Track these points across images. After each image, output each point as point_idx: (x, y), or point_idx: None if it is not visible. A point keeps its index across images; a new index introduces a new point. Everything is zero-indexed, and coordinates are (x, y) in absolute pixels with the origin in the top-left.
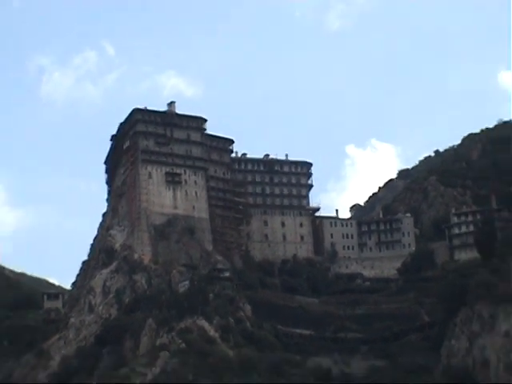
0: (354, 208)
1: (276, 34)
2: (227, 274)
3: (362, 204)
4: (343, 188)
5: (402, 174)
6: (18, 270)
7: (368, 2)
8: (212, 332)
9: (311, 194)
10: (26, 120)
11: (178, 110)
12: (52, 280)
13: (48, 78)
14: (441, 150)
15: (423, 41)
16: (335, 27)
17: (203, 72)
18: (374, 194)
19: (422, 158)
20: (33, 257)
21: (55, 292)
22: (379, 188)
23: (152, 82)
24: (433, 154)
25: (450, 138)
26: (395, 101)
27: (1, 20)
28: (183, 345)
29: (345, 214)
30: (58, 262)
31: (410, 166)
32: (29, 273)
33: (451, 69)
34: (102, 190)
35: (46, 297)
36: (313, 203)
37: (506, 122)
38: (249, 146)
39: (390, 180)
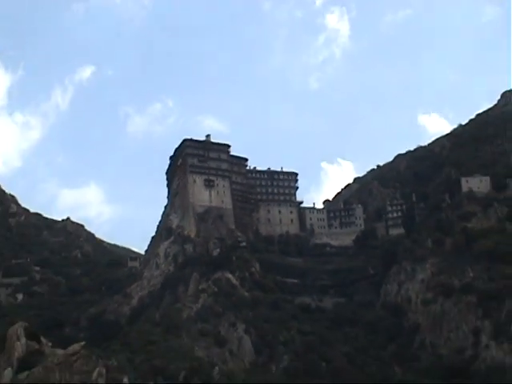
0: (326, 202)
1: (277, 90)
2: (244, 244)
3: (331, 199)
4: (320, 190)
5: (356, 179)
6: (112, 242)
7: (334, 70)
8: (234, 281)
9: (297, 193)
10: (118, 147)
11: (212, 139)
12: (134, 248)
13: (131, 121)
14: (380, 164)
15: (367, 93)
16: (315, 87)
17: (229, 115)
18: (338, 193)
19: (368, 169)
20: (122, 234)
21: (135, 256)
22: (341, 189)
23: (196, 121)
24: (375, 167)
25: (386, 156)
26: (351, 134)
27: (101, 83)
28: (216, 289)
29: (320, 205)
30: (138, 236)
31: (361, 175)
32: (119, 244)
33: (385, 112)
34: (165, 191)
35: (129, 259)
36: (298, 199)
37: (422, 147)
38: (258, 162)
39: (348, 184)
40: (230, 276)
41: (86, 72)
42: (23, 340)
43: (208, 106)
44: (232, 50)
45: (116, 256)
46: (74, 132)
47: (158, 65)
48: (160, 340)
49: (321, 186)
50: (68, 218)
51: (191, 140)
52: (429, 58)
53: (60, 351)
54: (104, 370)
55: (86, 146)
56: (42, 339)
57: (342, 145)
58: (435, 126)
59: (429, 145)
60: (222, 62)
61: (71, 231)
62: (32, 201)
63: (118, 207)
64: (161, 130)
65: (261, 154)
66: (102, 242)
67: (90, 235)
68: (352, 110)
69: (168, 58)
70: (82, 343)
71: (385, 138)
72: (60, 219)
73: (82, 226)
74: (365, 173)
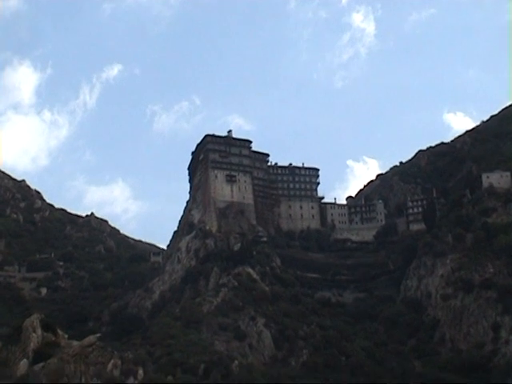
0: (348, 199)
1: (301, 89)
2: (265, 239)
3: (354, 196)
4: (346, 187)
5: (378, 176)
6: (137, 237)
7: (358, 69)
8: (255, 275)
9: (319, 188)
10: (144, 145)
11: (238, 137)
12: (158, 244)
13: (158, 119)
14: (403, 161)
15: (392, 92)
16: (339, 85)
17: (254, 113)
18: (360, 190)
19: (391, 166)
20: (147, 230)
21: (157, 251)
22: (364, 186)
23: (222, 119)
24: (398, 164)
25: (411, 155)
26: (377, 132)
27: (129, 82)
28: (236, 283)
29: (343, 202)
30: (163, 232)
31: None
32: (143, 239)
33: (410, 111)
34: (188, 187)
35: (152, 254)
36: (320, 194)
37: (443, 143)
38: (283, 160)
39: (371, 181)
40: (250, 270)
41: (114, 70)
42: (39, 331)
43: (234, 104)
44: (257, 49)
45: (139, 251)
46: (101, 130)
47: (185, 63)
48: (180, 334)
49: (347, 184)
50: (92, 214)
51: (213, 136)
52: (452, 56)
53: (76, 343)
54: (119, 362)
55: (113, 144)
56: (59, 331)
57: (367, 143)
58: (460, 124)
59: (451, 141)
60: (248, 60)
61: (95, 226)
62: (60, 198)
63: (144, 203)
64: (187, 127)
65: (285, 153)
66: (125, 237)
67: (114, 230)
68: (377, 109)
69: (195, 56)
70: (98, 335)
71: (410, 136)
72: (84, 215)
73: (106, 221)
74: (387, 169)
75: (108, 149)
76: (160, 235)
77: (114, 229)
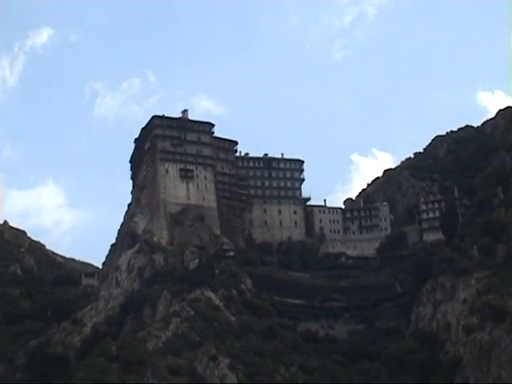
0: (347, 201)
1: (290, 62)
2: (231, 254)
3: (354, 198)
4: (349, 189)
5: (386, 172)
6: (68, 255)
7: (365, 35)
8: (217, 301)
9: (304, 186)
10: (83, 135)
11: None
12: (96, 263)
13: (101, 101)
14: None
15: (409, 64)
16: (339, 57)
17: (229, 94)
18: (363, 190)
19: (403, 159)
20: (87, 248)
21: (91, 271)
22: (367, 184)
23: (185, 103)
24: (412, 156)
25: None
26: (390, 118)
27: (62, 52)
28: (192, 312)
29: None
30: (103, 249)
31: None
32: (76, 258)
33: (434, 89)
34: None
35: (83, 275)
36: (305, 194)
37: (468, 126)
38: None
39: (377, 178)
40: (211, 295)
41: (42, 36)
42: None
43: (201, 82)
44: (231, 10)
45: (68, 272)
46: (26, 116)
47: (137, 28)
48: (116, 379)
49: (351, 185)
50: (5, 223)
51: (162, 117)
52: (489, 20)
53: None
54: None
55: (41, 135)
56: None
57: (377, 132)
58: (499, 105)
59: (479, 125)
60: (220, 25)
61: (9, 239)
62: None
63: (83, 213)
64: (138, 112)
65: (269, 145)
66: (52, 254)
67: (35, 245)
68: (389, 88)
69: (149, 19)
70: None
71: (432, 123)
72: None
73: (24, 232)
74: (399, 163)
75: (34, 141)
76: (100, 252)
77: (35, 242)
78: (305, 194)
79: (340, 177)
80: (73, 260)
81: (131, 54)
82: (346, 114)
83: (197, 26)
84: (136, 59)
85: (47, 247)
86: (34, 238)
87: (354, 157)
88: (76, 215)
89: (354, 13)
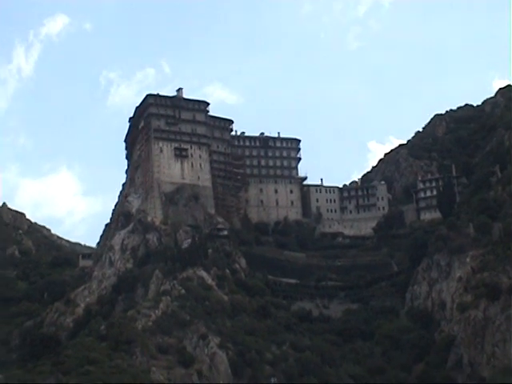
0: (352, 184)
1: (305, 51)
2: (225, 233)
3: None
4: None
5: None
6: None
7: (378, 24)
8: (209, 280)
9: (301, 166)
10: (97, 124)
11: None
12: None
13: (115, 90)
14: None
15: (425, 53)
16: (354, 46)
17: (243, 83)
18: (368, 173)
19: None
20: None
21: (88, 253)
22: (372, 167)
23: (200, 92)
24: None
25: None
26: (407, 106)
27: (77, 40)
28: (183, 291)
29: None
30: None
31: None
32: (77, 241)
33: (451, 77)
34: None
35: (80, 257)
36: (302, 174)
37: (466, 105)
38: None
39: (381, 159)
40: (203, 274)
41: (57, 24)
42: None
43: (215, 71)
44: (246, 1)
45: (65, 253)
46: (41, 105)
47: (152, 18)
48: (104, 358)
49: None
50: (4, 204)
51: (156, 95)
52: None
53: None
54: None
55: (56, 124)
56: None
57: (394, 120)
58: None
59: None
60: (234, 15)
61: (7, 221)
62: None
63: (97, 200)
64: None
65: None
66: (51, 236)
67: (34, 227)
68: (405, 76)
69: (166, 9)
70: None
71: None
72: None
73: (23, 214)
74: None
75: (49, 130)
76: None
77: (34, 224)
78: (302, 174)
79: (358, 166)
80: (78, 244)
81: (146, 44)
82: (362, 103)
83: (211, 16)
84: (151, 49)
85: (52, 231)
86: (32, 219)
87: (372, 144)
88: (89, 203)
89: (369, 2)
